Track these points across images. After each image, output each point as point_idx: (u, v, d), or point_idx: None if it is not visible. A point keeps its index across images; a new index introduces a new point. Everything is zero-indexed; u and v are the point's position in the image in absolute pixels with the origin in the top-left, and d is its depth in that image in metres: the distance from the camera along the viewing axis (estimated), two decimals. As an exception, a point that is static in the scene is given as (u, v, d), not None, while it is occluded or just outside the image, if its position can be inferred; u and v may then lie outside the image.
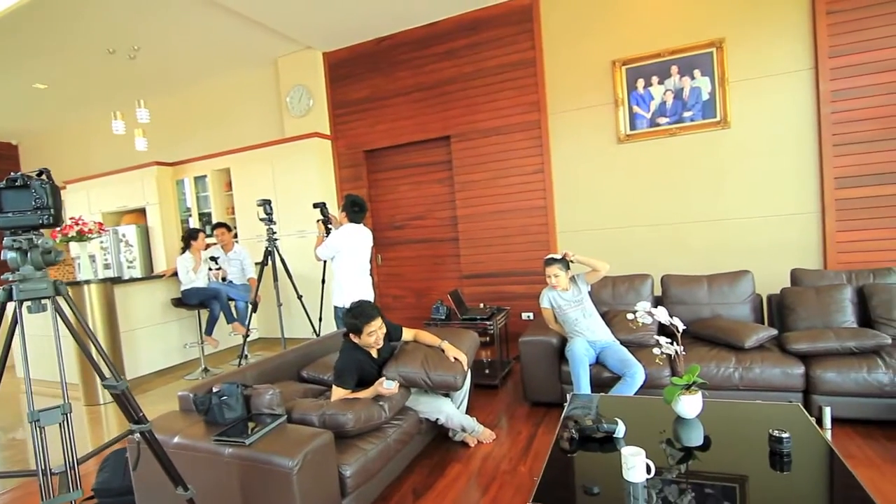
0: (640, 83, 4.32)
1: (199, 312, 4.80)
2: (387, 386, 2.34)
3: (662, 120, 4.28)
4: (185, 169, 6.31)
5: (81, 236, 4.09)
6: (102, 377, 1.49)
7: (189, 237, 4.71)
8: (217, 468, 1.85)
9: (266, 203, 3.69)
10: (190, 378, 4.70)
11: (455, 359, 2.58)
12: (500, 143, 4.83)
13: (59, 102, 6.62)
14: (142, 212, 6.46)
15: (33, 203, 1.34)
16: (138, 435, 1.49)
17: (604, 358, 2.96)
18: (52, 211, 1.36)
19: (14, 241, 1.34)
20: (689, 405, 2.03)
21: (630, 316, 2.29)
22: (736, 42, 3.99)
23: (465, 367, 2.62)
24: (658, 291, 3.62)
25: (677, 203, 4.29)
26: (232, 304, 4.87)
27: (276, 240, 3.68)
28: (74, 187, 7.02)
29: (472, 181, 5.00)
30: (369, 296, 3.80)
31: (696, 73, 4.14)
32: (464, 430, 2.70)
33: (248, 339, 5.03)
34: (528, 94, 4.69)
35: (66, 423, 1.29)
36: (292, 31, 5.03)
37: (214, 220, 6.10)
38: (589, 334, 3.05)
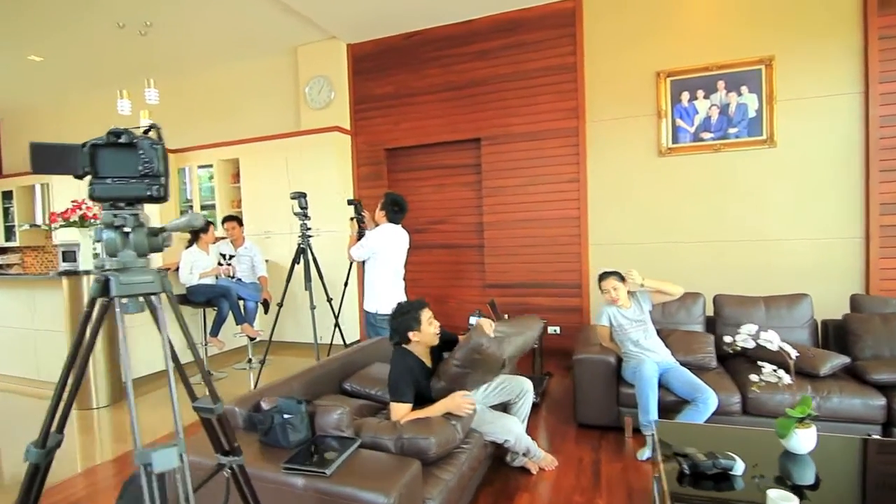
0: (685, 96, 4.22)
1: (204, 311, 4.44)
2: (466, 399, 2.10)
3: (706, 135, 4.18)
4: (188, 157, 5.93)
5: (84, 222, 3.71)
6: (193, 398, 1.21)
7: (198, 230, 4.36)
8: (287, 502, 1.58)
9: (301, 196, 3.41)
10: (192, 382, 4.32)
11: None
12: (535, 148, 4.66)
13: (54, 77, 6.16)
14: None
15: (140, 168, 1.06)
16: (228, 470, 1.21)
17: (667, 381, 2.79)
18: (162, 180, 1.09)
19: (116, 216, 1.07)
20: (804, 440, 1.86)
21: (728, 339, 2.12)
22: (786, 61, 3.93)
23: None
24: (710, 311, 3.48)
25: (717, 220, 4.18)
26: (241, 303, 4.52)
27: (309, 237, 3.40)
28: (62, 170, 6.52)
29: (502, 187, 4.81)
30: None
31: (744, 89, 4.05)
32: (527, 453, 2.47)
33: (253, 342, 4.70)
34: (566, 100, 4.53)
35: (182, 468, 1.00)
36: (319, 18, 4.76)
37: (219, 213, 5.74)
38: (652, 355, 2.88)
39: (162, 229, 1.11)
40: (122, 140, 1.06)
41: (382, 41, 5.17)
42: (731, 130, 4.12)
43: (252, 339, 4.56)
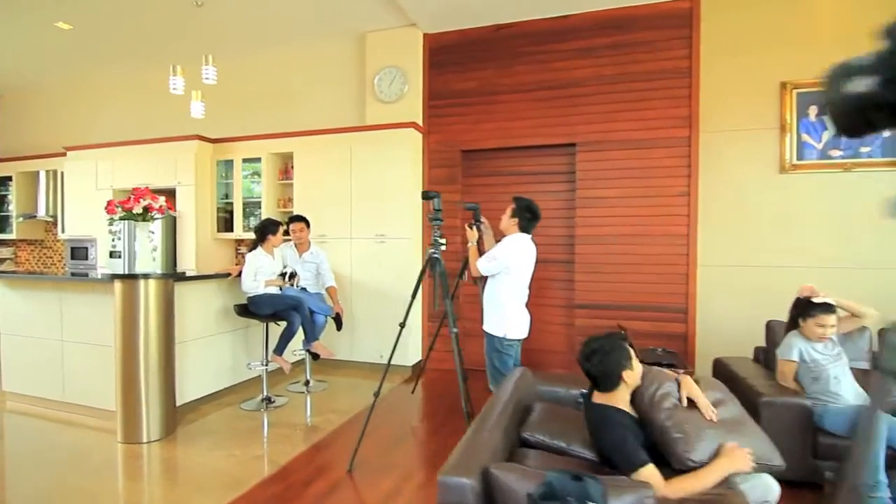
0: (812, 110, 3.91)
1: (266, 326, 3.82)
2: (743, 450, 1.64)
3: (835, 153, 3.86)
4: (231, 148, 5.30)
5: (148, 214, 3.09)
6: None
7: (264, 230, 3.77)
8: None
9: (436, 196, 2.92)
10: (247, 408, 3.69)
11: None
12: (639, 157, 4.26)
13: (79, 49, 5.45)
14: (170, 194, 5.35)
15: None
16: None
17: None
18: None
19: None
20: None
21: None
22: (929, 77, 3.65)
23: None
24: (875, 345, 3.10)
25: (842, 245, 3.85)
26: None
27: (442, 244, 2.88)
28: (78, 156, 5.78)
29: (599, 197, 4.38)
30: (528, 323, 3.06)
31: (881, 105, 3.76)
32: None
33: (315, 360, 4.10)
34: (678, 107, 4.16)
35: None
36: (404, 0, 4.27)
37: (264, 213, 5.12)
38: (850, 397, 2.47)
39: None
40: None
41: (467, 32, 4.72)
42: (864, 150, 3.81)
43: (315, 357, 3.96)
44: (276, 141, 5.10)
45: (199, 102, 4.32)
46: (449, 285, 2.98)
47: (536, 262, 3.11)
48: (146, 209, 3.04)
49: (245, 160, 5.21)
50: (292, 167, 5.15)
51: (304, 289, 4.05)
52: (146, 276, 3.12)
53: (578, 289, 4.45)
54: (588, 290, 4.43)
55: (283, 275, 3.81)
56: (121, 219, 3.13)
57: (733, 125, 4.06)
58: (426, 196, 2.87)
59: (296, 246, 4.14)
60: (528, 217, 2.99)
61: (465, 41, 4.74)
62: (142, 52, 5.53)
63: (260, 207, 5.22)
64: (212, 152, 5.36)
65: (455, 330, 2.73)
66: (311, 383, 4.21)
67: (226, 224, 5.45)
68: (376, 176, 4.68)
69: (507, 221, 3.02)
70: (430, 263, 2.90)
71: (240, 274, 3.72)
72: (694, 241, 4.14)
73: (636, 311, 4.28)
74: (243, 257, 5.62)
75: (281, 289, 3.83)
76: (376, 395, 2.80)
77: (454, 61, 4.78)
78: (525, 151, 4.65)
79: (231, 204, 5.35)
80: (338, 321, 3.99)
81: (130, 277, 3.09)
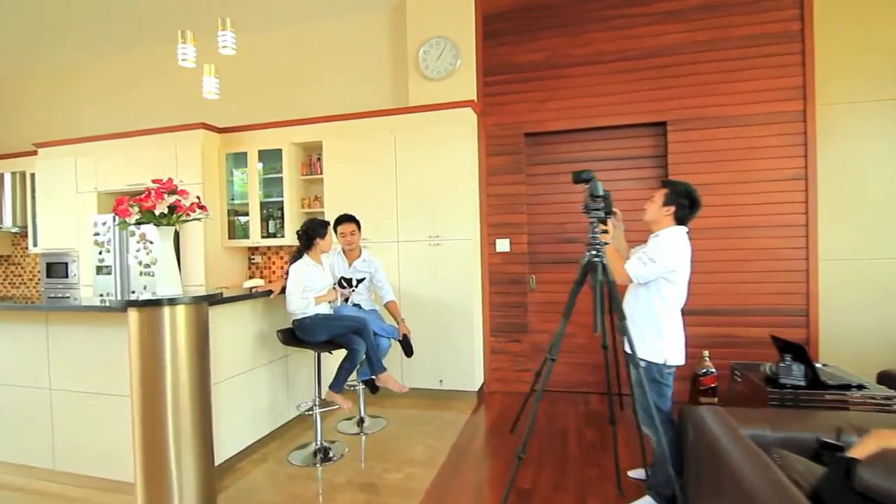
0: (950, 74, 3.36)
1: (318, 357, 3.02)
2: None
3: (980, 123, 3.33)
4: (244, 139, 4.46)
5: (176, 216, 2.26)
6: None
7: (312, 232, 2.97)
8: None
9: (590, 179, 2.20)
10: (297, 462, 2.88)
11: None
12: (742, 136, 3.65)
13: (49, 29, 4.50)
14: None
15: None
16: None
17: None
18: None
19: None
20: None
21: None
22: None
23: None
24: None
25: None
26: (368, 341, 3.14)
27: (600, 245, 2.14)
28: (51, 153, 4.81)
29: (696, 184, 3.72)
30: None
31: None
32: None
33: (374, 392, 3.31)
34: (787, 77, 3.56)
35: None
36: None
37: (288, 215, 4.30)
38: None
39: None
40: None
41: (529, -5, 4.02)
42: None
43: (374, 390, 3.18)
44: (300, 128, 4.28)
45: (212, 78, 3.47)
46: (615, 296, 2.26)
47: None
48: (172, 208, 2.22)
49: (262, 152, 4.37)
50: (319, 159, 4.34)
51: (357, 305, 3.27)
52: (173, 302, 2.29)
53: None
54: (691, 293, 3.76)
55: (342, 283, 3.03)
56: (138, 222, 2.28)
57: (858, 95, 3.49)
58: (579, 178, 2.16)
59: (344, 252, 3.35)
60: (686, 206, 2.31)
61: (525, 5, 4.04)
62: (130, 32, 4.62)
63: (281, 209, 4.39)
64: (220, 144, 4.50)
65: (606, 345, 2.00)
66: (366, 421, 3.42)
67: (238, 229, 4.59)
68: (427, 166, 3.92)
69: (658, 212, 2.32)
70: (588, 270, 2.18)
71: (283, 291, 2.92)
72: (814, 231, 3.55)
73: (751, 316, 3.65)
74: (258, 270, 4.78)
75: (330, 304, 3.04)
76: (520, 449, 2.05)
77: (513, 29, 4.07)
78: (602, 133, 3.98)
79: (245, 205, 4.50)
80: (406, 345, 3.21)
81: (152, 304, 2.26)
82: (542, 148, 4.12)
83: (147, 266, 4.39)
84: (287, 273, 2.91)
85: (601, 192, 2.20)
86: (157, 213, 2.17)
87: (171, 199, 2.18)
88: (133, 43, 4.94)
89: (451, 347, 3.88)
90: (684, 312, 2.62)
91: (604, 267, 2.16)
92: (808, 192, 3.54)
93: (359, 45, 4.50)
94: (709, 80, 3.70)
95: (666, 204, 2.30)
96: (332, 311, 3.06)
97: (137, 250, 4.42)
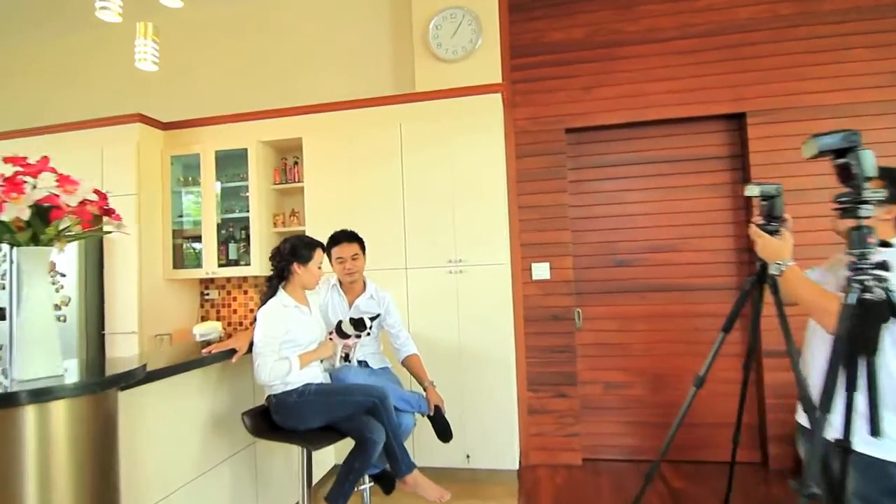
0: None
1: (305, 453, 1.94)
2: None
3: None
4: (195, 136, 3.41)
5: (55, 226, 1.22)
6: None
7: (291, 254, 1.96)
8: None
9: (775, 196, 1.34)
10: None
11: None
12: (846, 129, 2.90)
13: None
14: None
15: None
16: None
17: None
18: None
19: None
20: None
21: None
22: None
23: None
24: None
25: None
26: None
27: (870, 271, 1.24)
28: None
29: (788, 191, 2.94)
30: None
31: None
32: None
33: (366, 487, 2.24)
34: (897, 57, 2.87)
35: None
36: None
37: (256, 238, 3.25)
38: None
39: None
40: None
41: (567, -42, 3.23)
42: None
43: (388, 490, 2.12)
44: (273, 122, 3.28)
45: (148, 41, 2.45)
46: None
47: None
48: (43, 211, 1.18)
49: (221, 154, 3.32)
50: (297, 163, 3.35)
51: (363, 363, 2.24)
52: (41, 396, 1.20)
53: (764, 327, 2.95)
54: (776, 326, 2.94)
55: (341, 330, 2.02)
56: (69, 237, 1.22)
57: (980, 79, 2.82)
58: (758, 192, 1.31)
59: (342, 286, 2.33)
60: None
61: (562, -29, 3.25)
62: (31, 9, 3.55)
63: (246, 228, 3.34)
64: (164, 143, 3.43)
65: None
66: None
67: (186, 255, 3.49)
68: (443, 168, 2.99)
69: (885, 216, 1.46)
70: (759, 285, 1.29)
71: (251, 349, 1.87)
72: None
73: (862, 358, 2.83)
74: (213, 309, 3.66)
75: (322, 362, 2.01)
76: None
77: (547, 2, 3.26)
78: (661, 128, 3.18)
79: (196, 224, 3.41)
80: (440, 423, 2.15)
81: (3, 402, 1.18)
82: (587, 147, 3.28)
83: (57, 307, 3.22)
84: (255, 323, 1.87)
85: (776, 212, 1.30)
86: (5, 218, 1.12)
87: (38, 195, 1.14)
88: (55, 23, 3.85)
89: (480, 410, 2.88)
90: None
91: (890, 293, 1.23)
92: (931, 198, 2.81)
93: (348, 18, 3.57)
94: (798, 62, 2.97)
95: (890, 201, 1.44)
96: (327, 377, 2.02)
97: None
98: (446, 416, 2.17)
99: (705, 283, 3.12)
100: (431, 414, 2.12)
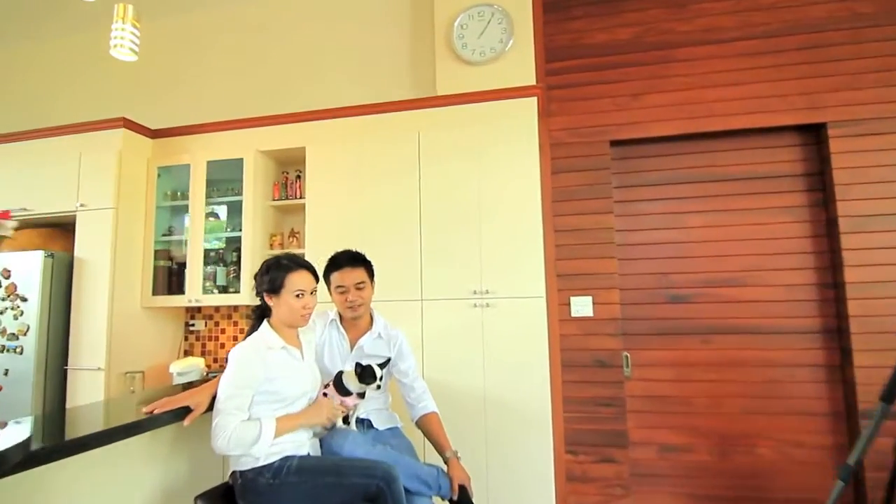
0: None
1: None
2: None
3: None
4: (186, 145, 3.02)
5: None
6: None
7: (274, 277, 1.49)
8: None
9: None
10: None
11: None
12: (951, 143, 2.44)
13: None
14: (61, 228, 2.94)
15: None
16: None
17: None
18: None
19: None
20: None
21: None
22: None
23: None
24: None
25: None
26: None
27: None
28: None
29: (878, 214, 2.47)
30: None
31: None
32: None
33: None
34: None
35: None
36: None
37: (247, 261, 2.80)
38: None
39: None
40: None
41: (611, -48, 2.87)
42: None
43: None
44: (273, 130, 2.89)
45: (127, 27, 2.07)
46: None
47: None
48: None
49: (214, 165, 2.92)
50: (299, 177, 2.94)
51: (365, 421, 1.73)
52: None
53: (862, 377, 2.41)
54: (877, 380, 2.38)
55: (341, 383, 1.54)
56: None
57: None
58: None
59: (341, 321, 1.84)
60: None
61: (605, -33, 2.88)
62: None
63: (237, 250, 2.90)
64: (151, 153, 3.04)
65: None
66: None
67: (168, 280, 3.04)
68: (467, 183, 2.55)
69: None
70: None
71: (211, 408, 1.38)
72: None
73: None
74: (198, 342, 3.19)
75: (326, 429, 1.51)
76: None
77: (586, 0, 2.89)
78: (723, 141, 2.73)
79: (182, 244, 2.98)
80: None
81: None
82: (635, 162, 2.82)
83: (14, 337, 2.78)
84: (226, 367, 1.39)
85: None
86: None
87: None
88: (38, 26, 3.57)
89: (509, 476, 2.34)
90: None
91: None
92: None
93: (359, 14, 3.22)
94: (884, 65, 2.54)
95: None
96: (316, 444, 1.51)
97: (2, 311, 2.82)
98: (472, 497, 1.63)
99: (779, 324, 2.59)
100: (455, 498, 1.59)
